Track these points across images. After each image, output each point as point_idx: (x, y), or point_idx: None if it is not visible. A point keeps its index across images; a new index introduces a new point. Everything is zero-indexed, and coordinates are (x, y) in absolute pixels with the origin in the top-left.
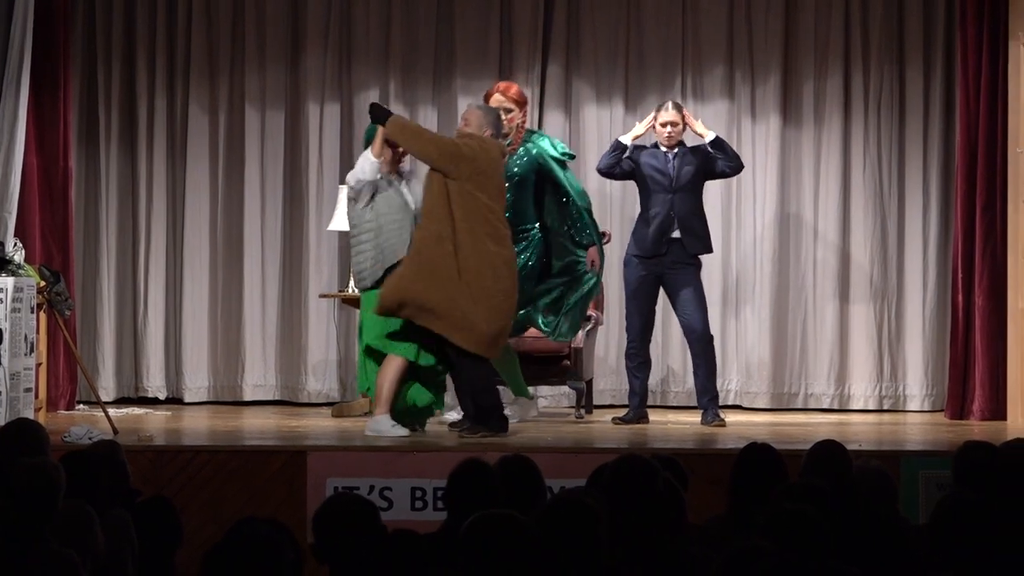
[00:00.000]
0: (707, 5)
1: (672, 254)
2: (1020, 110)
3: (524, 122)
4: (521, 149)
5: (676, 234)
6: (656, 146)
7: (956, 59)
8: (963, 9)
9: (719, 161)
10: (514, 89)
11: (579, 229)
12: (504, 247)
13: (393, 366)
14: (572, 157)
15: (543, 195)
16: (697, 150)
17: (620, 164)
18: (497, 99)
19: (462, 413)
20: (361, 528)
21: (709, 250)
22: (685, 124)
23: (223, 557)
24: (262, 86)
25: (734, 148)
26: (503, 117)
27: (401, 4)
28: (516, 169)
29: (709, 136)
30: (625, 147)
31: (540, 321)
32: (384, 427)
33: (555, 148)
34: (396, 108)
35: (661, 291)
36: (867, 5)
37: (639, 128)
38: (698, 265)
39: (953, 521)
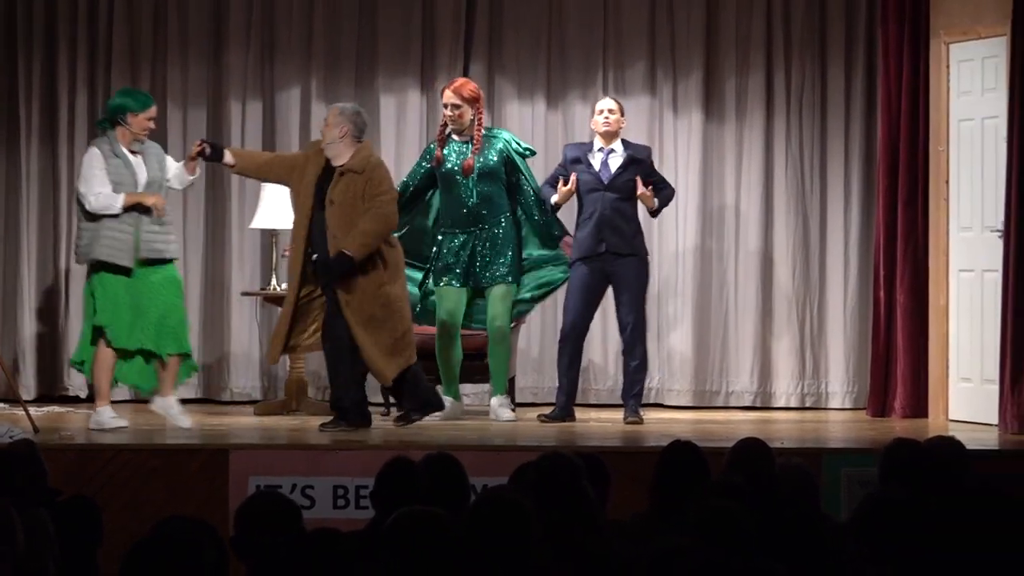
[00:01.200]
0: (629, 2)
1: (611, 252)
2: (941, 107)
3: (480, 119)
4: (488, 148)
5: (607, 234)
6: (590, 146)
7: (878, 56)
8: (884, 7)
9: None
10: (467, 86)
11: (550, 221)
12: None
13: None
14: (533, 153)
15: (514, 188)
16: (638, 162)
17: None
18: (447, 95)
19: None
20: (281, 527)
21: (638, 252)
22: (623, 120)
23: (147, 554)
24: (184, 82)
25: (657, 143)
26: (450, 113)
27: (323, 2)
28: (489, 163)
29: (652, 207)
30: (556, 205)
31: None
32: (104, 418)
33: (518, 143)
34: (317, 107)
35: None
36: (789, 2)
37: (557, 197)
38: (642, 257)
39: (877, 518)
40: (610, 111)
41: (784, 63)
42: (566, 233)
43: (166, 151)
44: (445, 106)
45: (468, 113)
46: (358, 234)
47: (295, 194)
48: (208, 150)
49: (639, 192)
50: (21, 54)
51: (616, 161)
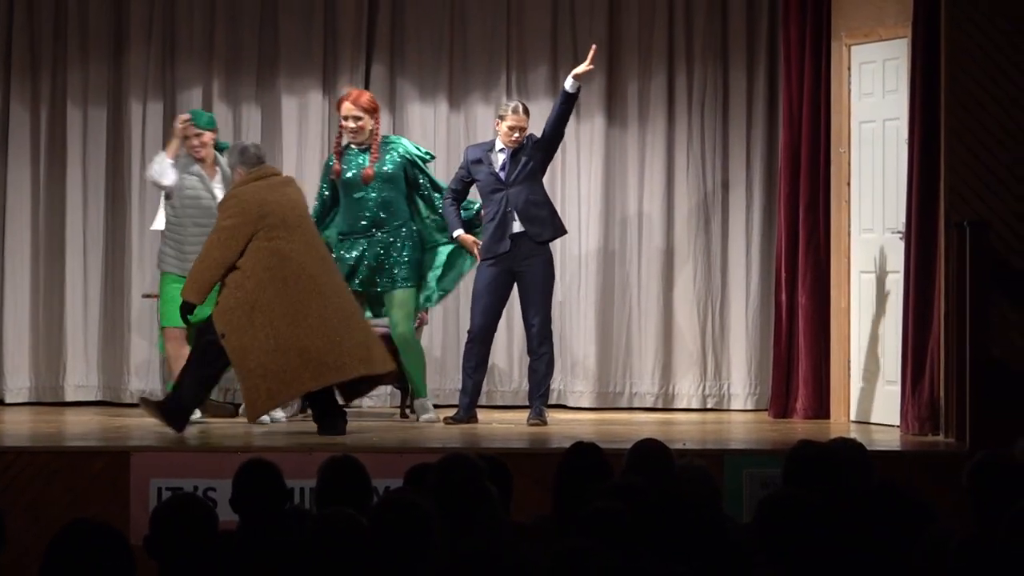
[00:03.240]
0: (531, 4)
1: (518, 249)
2: (843, 110)
3: (378, 128)
4: (386, 153)
5: (518, 228)
6: (491, 146)
7: (779, 59)
8: (786, 9)
9: (557, 110)
10: (365, 97)
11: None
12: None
13: None
14: (432, 157)
15: (412, 192)
16: (533, 142)
17: (464, 190)
18: (346, 107)
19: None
20: (197, 529)
21: (559, 233)
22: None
23: (53, 558)
24: (85, 83)
25: (561, 145)
26: (352, 125)
27: (225, 2)
28: (388, 168)
29: (570, 85)
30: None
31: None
32: None
33: (418, 149)
34: (219, 107)
35: (513, 293)
36: (690, 5)
37: (458, 234)
38: (547, 257)
39: (779, 518)
40: (521, 129)
41: (686, 66)
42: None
43: (65, 151)
44: (345, 118)
45: (369, 123)
46: (188, 277)
47: None
48: None
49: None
50: None
51: (513, 156)
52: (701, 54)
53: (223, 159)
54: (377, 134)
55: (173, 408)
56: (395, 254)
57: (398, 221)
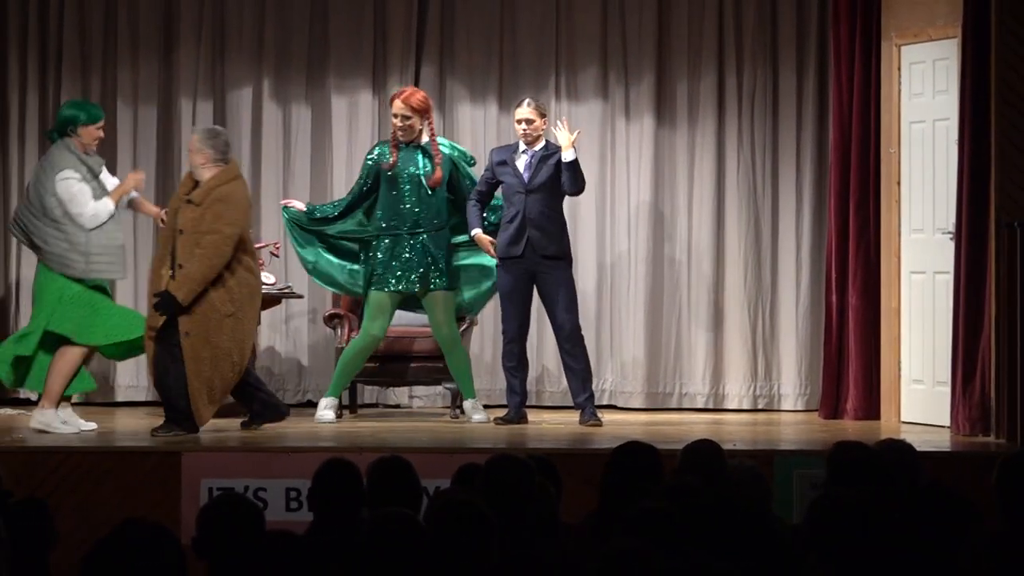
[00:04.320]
0: (581, 5)
1: (533, 254)
2: (892, 110)
3: (432, 128)
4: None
5: (531, 234)
6: (516, 148)
7: (829, 59)
8: (836, 9)
9: (563, 175)
10: (416, 96)
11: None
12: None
13: (71, 357)
14: (474, 162)
15: (459, 195)
16: (553, 155)
17: (489, 192)
18: (396, 105)
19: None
20: (243, 528)
21: (563, 254)
22: (544, 123)
23: (106, 558)
24: (134, 81)
25: (610, 148)
26: (399, 123)
27: (275, 1)
28: (445, 172)
29: (567, 155)
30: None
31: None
32: (50, 419)
33: (462, 152)
34: (269, 106)
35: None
36: (740, 6)
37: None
38: (567, 262)
39: (828, 519)
40: (527, 121)
41: (736, 67)
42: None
43: (115, 150)
44: (395, 116)
45: (418, 123)
46: (183, 277)
47: (165, 226)
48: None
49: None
50: None
51: (538, 162)
52: (751, 54)
53: None
54: (433, 135)
55: (173, 417)
56: (434, 256)
57: (439, 223)
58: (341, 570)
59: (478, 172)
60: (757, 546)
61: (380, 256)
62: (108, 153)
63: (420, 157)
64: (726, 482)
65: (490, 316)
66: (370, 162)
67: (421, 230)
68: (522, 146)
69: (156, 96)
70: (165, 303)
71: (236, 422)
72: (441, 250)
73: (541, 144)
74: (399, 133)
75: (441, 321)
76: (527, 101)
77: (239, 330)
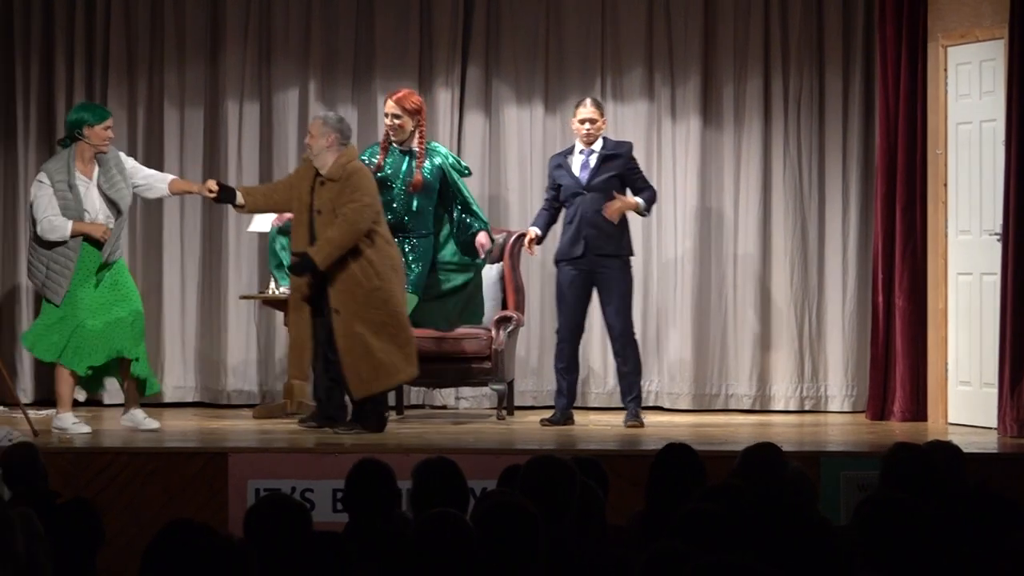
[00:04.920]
0: (626, 7)
1: (592, 254)
2: (939, 111)
3: (423, 131)
4: (425, 158)
5: (589, 234)
6: (571, 150)
7: (875, 60)
8: (882, 11)
9: (642, 193)
10: (409, 98)
11: (464, 229)
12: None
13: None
14: (469, 172)
15: (447, 203)
16: (616, 156)
17: (555, 197)
18: (388, 104)
19: None
20: (290, 529)
21: (621, 253)
22: (604, 122)
23: (162, 556)
24: (181, 83)
25: (656, 148)
26: (389, 123)
27: (320, 3)
28: (428, 177)
29: (645, 213)
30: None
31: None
32: (65, 423)
33: (456, 161)
34: (316, 108)
35: (594, 293)
36: (786, 7)
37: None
38: (626, 261)
39: (878, 521)
40: (590, 121)
41: (782, 68)
42: (484, 228)
43: (162, 152)
44: (386, 115)
45: (409, 124)
46: (323, 242)
47: (295, 212)
48: (220, 194)
49: (608, 211)
50: (19, 56)
51: (595, 163)
52: (797, 56)
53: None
54: (422, 139)
55: (358, 415)
56: (411, 260)
57: (422, 230)
58: (380, 570)
59: (471, 183)
60: (805, 548)
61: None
62: (155, 155)
63: (408, 161)
64: (782, 486)
65: (536, 318)
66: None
67: (403, 235)
68: (578, 146)
69: (203, 98)
70: (302, 265)
71: (282, 424)
72: (418, 256)
73: (599, 144)
74: (390, 133)
75: None
76: (589, 100)
77: (391, 302)
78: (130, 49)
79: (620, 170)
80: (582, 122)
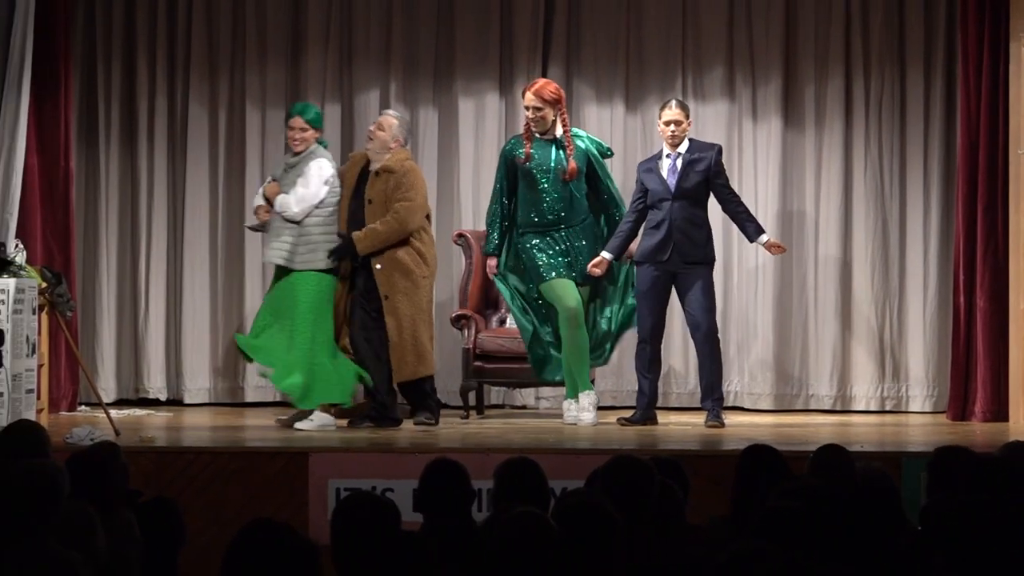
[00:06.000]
0: (707, 6)
1: (679, 259)
2: (1021, 111)
3: (565, 119)
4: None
5: (676, 240)
6: (659, 155)
7: (957, 60)
8: (964, 10)
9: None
10: (547, 88)
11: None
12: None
13: None
14: (611, 153)
15: (595, 188)
16: (701, 160)
17: (644, 208)
18: (528, 97)
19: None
20: (380, 529)
21: (708, 259)
22: (690, 123)
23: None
24: (263, 85)
25: (736, 149)
26: (531, 115)
27: (402, 5)
28: (578, 162)
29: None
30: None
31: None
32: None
33: (600, 144)
34: (397, 109)
35: (673, 293)
36: (867, 7)
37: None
38: (709, 263)
39: (939, 524)
40: (676, 123)
41: (863, 69)
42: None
43: (244, 153)
44: (527, 108)
45: (550, 114)
46: (369, 230)
47: (341, 208)
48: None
49: (768, 244)
50: (100, 58)
51: (682, 168)
52: (878, 56)
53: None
54: (567, 127)
55: (379, 413)
56: (578, 249)
57: (579, 217)
58: (460, 570)
59: (617, 170)
60: (886, 548)
61: (533, 251)
62: (236, 156)
63: (555, 150)
64: (854, 486)
65: None
66: (505, 157)
67: (563, 226)
68: (665, 150)
69: (284, 100)
70: (342, 247)
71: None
72: (583, 243)
73: (684, 146)
74: (532, 125)
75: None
76: (674, 102)
77: (431, 295)
78: (212, 51)
79: (705, 174)
80: (667, 124)
